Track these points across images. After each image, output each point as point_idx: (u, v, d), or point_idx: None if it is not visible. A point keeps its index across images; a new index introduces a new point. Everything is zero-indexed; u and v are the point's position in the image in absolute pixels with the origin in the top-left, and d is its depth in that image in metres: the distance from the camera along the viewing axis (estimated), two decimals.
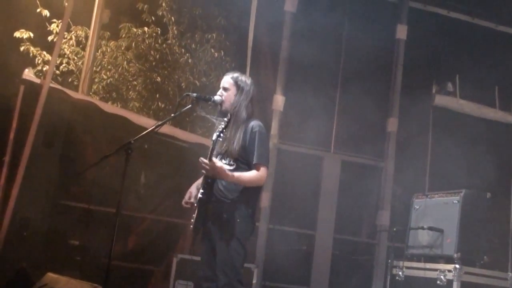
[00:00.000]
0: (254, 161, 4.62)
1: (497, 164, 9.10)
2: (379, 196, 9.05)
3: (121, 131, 7.22)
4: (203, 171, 4.55)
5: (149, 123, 6.75)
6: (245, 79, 4.92)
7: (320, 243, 8.71)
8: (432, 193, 7.70)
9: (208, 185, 4.62)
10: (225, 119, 4.58)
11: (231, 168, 4.68)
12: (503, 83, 9.41)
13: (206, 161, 4.46)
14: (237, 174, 4.58)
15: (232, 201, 4.65)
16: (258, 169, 4.62)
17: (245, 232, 4.69)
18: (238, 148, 4.67)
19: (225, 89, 4.86)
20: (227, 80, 4.88)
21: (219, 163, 4.52)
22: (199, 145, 7.79)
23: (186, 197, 4.91)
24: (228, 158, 4.72)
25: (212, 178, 4.58)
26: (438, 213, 7.33)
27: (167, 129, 7.67)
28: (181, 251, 7.70)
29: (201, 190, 4.65)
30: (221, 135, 4.49)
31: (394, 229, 7.68)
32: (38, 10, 8.85)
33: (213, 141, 4.49)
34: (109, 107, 7.94)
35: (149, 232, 8.05)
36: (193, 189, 4.92)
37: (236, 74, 4.93)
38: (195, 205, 4.72)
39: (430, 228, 7.21)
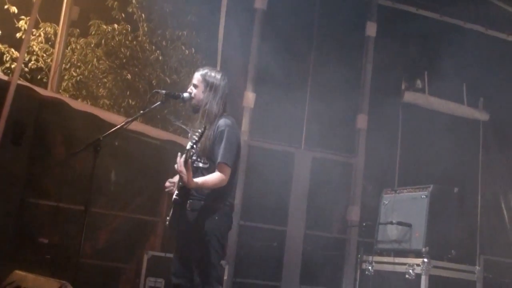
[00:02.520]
0: (218, 160, 4.60)
1: (464, 160, 9.26)
2: (349, 192, 9.13)
3: (91, 128, 7.16)
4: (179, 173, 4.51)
5: (119, 120, 6.70)
6: (215, 74, 4.85)
7: (291, 239, 8.76)
8: (401, 188, 7.79)
9: (184, 187, 4.59)
10: (199, 130, 4.50)
11: (206, 166, 4.67)
12: (470, 80, 9.54)
13: (183, 169, 4.41)
14: (200, 180, 4.57)
15: (209, 198, 4.64)
16: (221, 169, 4.59)
17: (223, 228, 4.68)
18: (208, 146, 4.65)
19: (194, 85, 4.83)
20: (196, 76, 4.85)
21: (184, 172, 4.46)
22: (170, 142, 7.78)
23: (170, 180, 4.84)
24: (202, 157, 4.71)
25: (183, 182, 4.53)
26: (406, 208, 7.42)
27: (138, 126, 7.65)
28: (152, 248, 7.69)
29: (176, 192, 4.64)
30: (195, 146, 4.42)
31: (364, 224, 7.76)
32: (6, 6, 8.74)
33: (187, 150, 4.42)
34: (79, 105, 7.88)
35: (120, 229, 8.01)
36: (175, 178, 4.84)
37: (205, 70, 4.87)
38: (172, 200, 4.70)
39: (399, 223, 7.30)
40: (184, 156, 4.40)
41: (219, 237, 4.62)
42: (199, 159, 4.70)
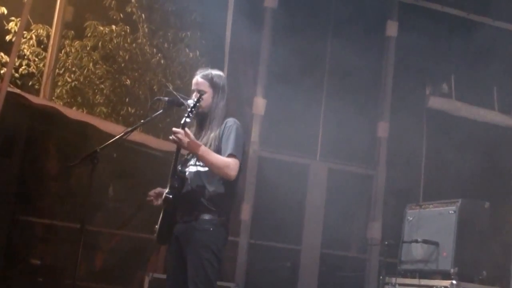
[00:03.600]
0: (228, 152, 4.57)
1: (496, 171, 9.18)
2: (369, 207, 9.10)
3: (87, 139, 7.19)
4: (174, 139, 4.47)
5: (117, 130, 6.73)
6: (219, 74, 4.89)
7: (306, 259, 8.73)
8: (427, 203, 7.74)
9: (178, 185, 4.58)
10: (195, 98, 4.56)
11: (206, 169, 4.64)
12: (501, 83, 9.51)
13: (179, 130, 4.42)
14: (210, 152, 4.52)
15: (204, 207, 4.63)
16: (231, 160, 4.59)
17: (219, 241, 4.66)
18: (214, 147, 4.64)
19: (200, 92, 4.82)
20: (201, 82, 4.83)
21: (191, 135, 4.47)
22: (173, 153, 7.76)
23: (155, 190, 4.84)
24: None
25: (183, 148, 4.49)
26: (433, 224, 7.36)
27: (138, 136, 7.66)
28: (154, 269, 7.68)
29: (168, 190, 4.60)
30: (191, 114, 4.45)
31: (386, 242, 7.71)
32: None
33: (182, 124, 4.43)
34: (74, 113, 7.91)
35: (119, 249, 8.03)
36: (162, 189, 4.83)
37: (207, 72, 4.85)
38: (160, 203, 4.66)
39: (425, 241, 7.24)
40: (183, 122, 4.42)
41: (215, 250, 4.60)
42: (198, 162, 4.68)
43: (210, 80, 4.81)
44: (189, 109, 4.48)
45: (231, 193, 4.71)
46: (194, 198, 4.63)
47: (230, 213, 4.77)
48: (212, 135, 4.67)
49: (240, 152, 4.62)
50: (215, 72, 4.88)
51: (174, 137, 4.44)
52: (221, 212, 4.65)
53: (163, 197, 4.59)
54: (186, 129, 4.44)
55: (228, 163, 4.53)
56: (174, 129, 4.45)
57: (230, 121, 4.72)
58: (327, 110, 9.15)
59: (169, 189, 4.58)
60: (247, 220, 8.36)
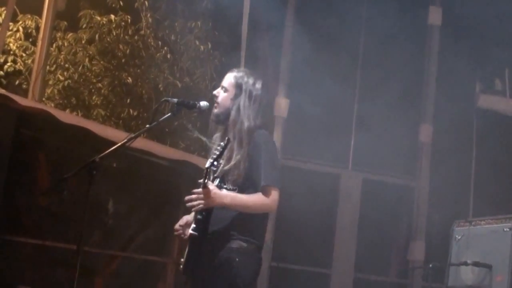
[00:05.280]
0: (262, 183, 4.56)
1: None
2: (410, 224, 9.08)
3: (82, 146, 7.23)
4: (196, 206, 4.46)
5: (118, 136, 6.77)
6: (253, 81, 4.82)
7: (337, 285, 8.73)
8: (478, 219, 7.73)
9: (203, 218, 4.57)
10: (222, 143, 4.49)
11: (232, 189, 4.63)
12: None
13: (197, 191, 4.39)
14: (239, 196, 4.49)
15: (231, 234, 4.60)
16: (267, 193, 4.55)
17: (247, 275, 4.62)
18: (242, 170, 4.60)
19: (224, 89, 4.79)
20: (227, 78, 4.81)
21: (211, 186, 4.45)
22: (182, 162, 7.81)
23: (181, 221, 4.83)
24: (228, 183, 4.67)
25: (209, 208, 4.50)
26: (485, 244, 7.35)
27: (141, 143, 7.68)
28: None
29: (193, 225, 4.58)
30: (215, 163, 4.41)
31: (430, 265, 7.70)
32: None
33: (206, 169, 4.41)
34: (68, 117, 7.95)
35: (120, 273, 8.06)
36: (188, 217, 4.83)
37: (240, 73, 4.82)
38: (186, 238, 4.67)
39: (476, 264, 7.23)
40: (202, 180, 4.38)
41: (240, 285, 4.58)
42: (223, 184, 4.67)
43: (236, 79, 4.73)
44: (214, 156, 4.41)
45: (262, 217, 4.67)
46: (220, 224, 4.60)
47: (264, 240, 4.73)
48: (238, 157, 4.62)
49: (278, 178, 4.55)
50: (250, 76, 4.77)
51: (194, 204, 4.39)
52: (252, 238, 4.61)
53: (189, 233, 4.59)
54: (207, 184, 4.37)
55: (270, 202, 4.50)
56: (193, 196, 4.38)
57: (260, 135, 4.61)
58: (360, 111, 9.15)
59: (195, 224, 4.58)
60: (268, 240, 8.36)
